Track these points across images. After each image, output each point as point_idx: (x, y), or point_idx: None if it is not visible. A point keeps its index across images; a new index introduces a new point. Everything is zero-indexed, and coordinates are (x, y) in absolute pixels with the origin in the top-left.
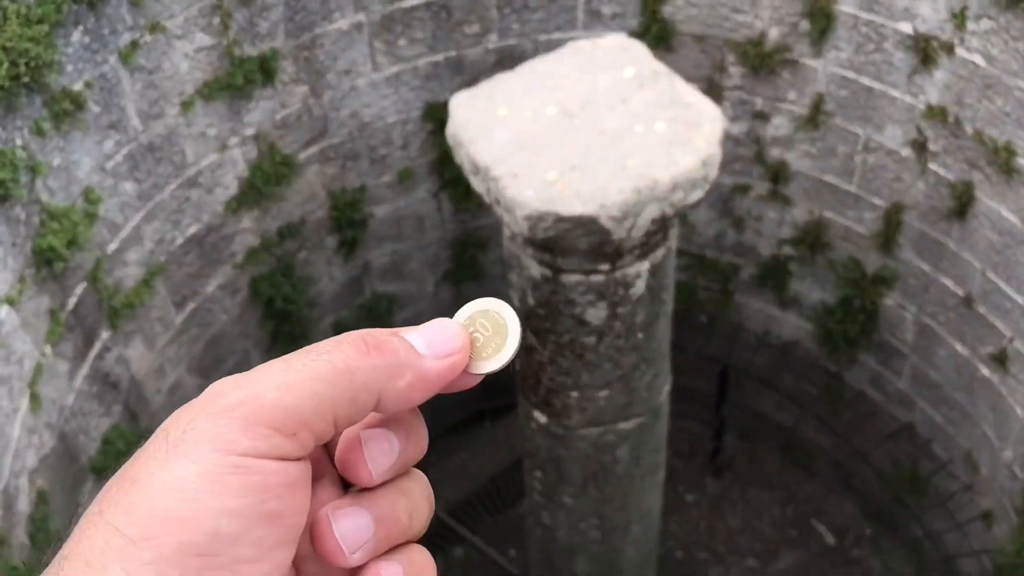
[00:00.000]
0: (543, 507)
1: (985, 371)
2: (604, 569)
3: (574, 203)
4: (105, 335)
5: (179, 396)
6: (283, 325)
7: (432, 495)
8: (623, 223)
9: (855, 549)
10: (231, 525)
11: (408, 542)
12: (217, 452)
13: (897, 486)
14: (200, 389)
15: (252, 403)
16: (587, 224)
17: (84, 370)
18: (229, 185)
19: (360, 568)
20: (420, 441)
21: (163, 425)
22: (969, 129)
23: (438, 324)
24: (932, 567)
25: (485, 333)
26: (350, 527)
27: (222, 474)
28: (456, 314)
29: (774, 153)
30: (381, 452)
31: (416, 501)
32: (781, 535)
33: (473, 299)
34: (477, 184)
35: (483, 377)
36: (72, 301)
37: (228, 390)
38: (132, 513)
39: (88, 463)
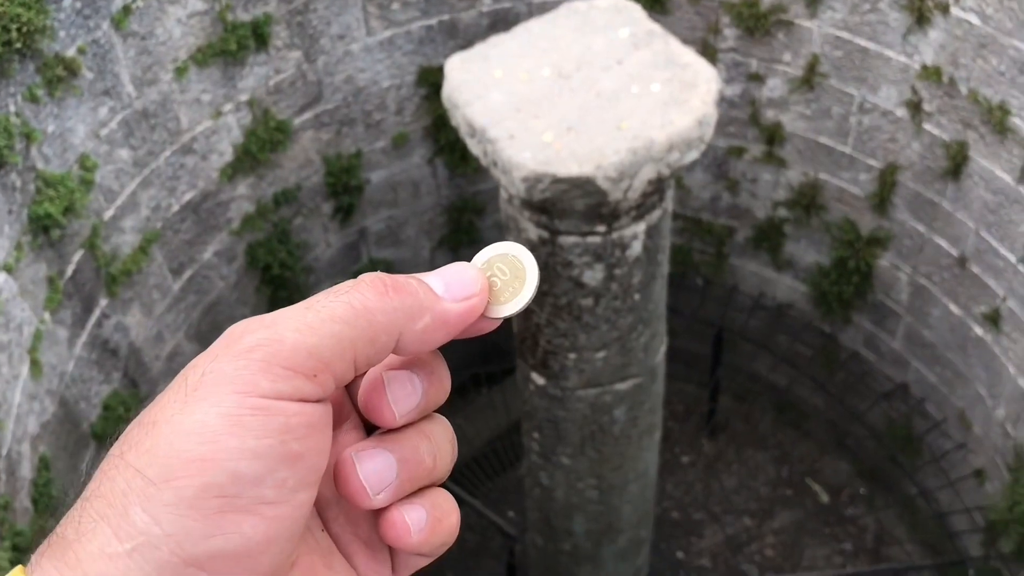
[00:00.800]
0: (541, 468)
1: (978, 330)
2: (602, 528)
3: (571, 164)
4: (103, 302)
5: (177, 363)
6: (280, 291)
7: (455, 439)
8: (619, 184)
9: (849, 508)
10: (252, 466)
11: (431, 485)
12: (237, 394)
13: (891, 445)
14: (198, 355)
15: (272, 344)
16: (584, 185)
17: (83, 337)
18: (224, 151)
19: (383, 511)
20: (443, 383)
21: (183, 370)
22: (964, 89)
23: (456, 267)
24: (925, 524)
25: (503, 277)
26: (374, 468)
27: (243, 415)
28: (474, 258)
29: (769, 115)
30: (404, 393)
31: (439, 444)
32: (776, 494)
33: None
34: (474, 146)
35: (500, 321)
36: (70, 268)
37: (247, 332)
38: (152, 455)
39: (89, 429)
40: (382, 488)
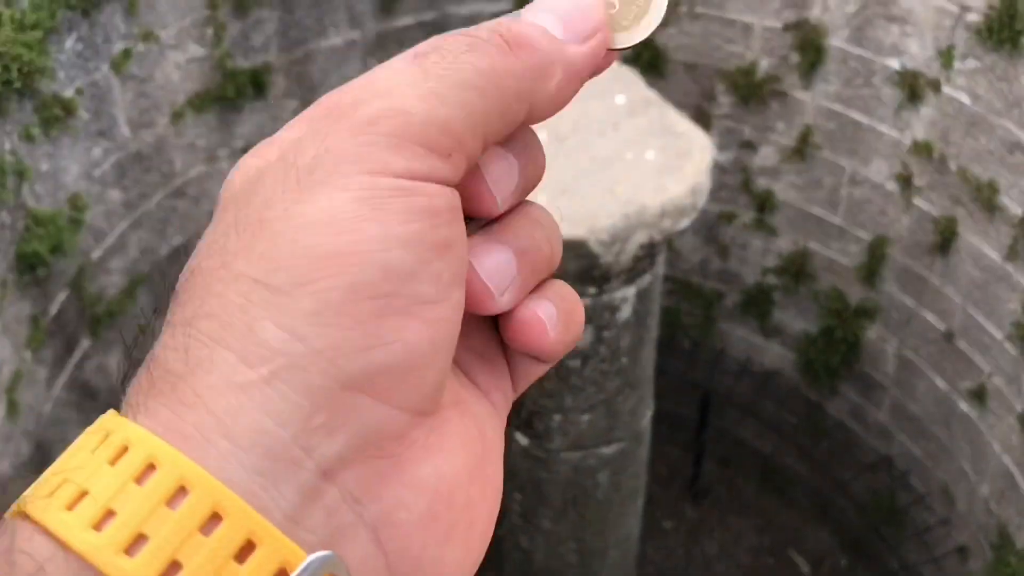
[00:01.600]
0: (521, 530)
1: (964, 406)
2: None
3: (563, 226)
4: (86, 343)
5: None
6: None
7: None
8: (611, 248)
9: None
10: (404, 257)
11: (550, 277)
12: (367, 174)
13: (874, 517)
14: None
15: (398, 117)
16: (576, 247)
17: (63, 378)
18: (217, 197)
19: (509, 314)
20: (539, 156)
21: (279, 158)
22: (953, 166)
23: None
24: None
25: None
26: (494, 265)
27: (381, 198)
28: None
29: (761, 182)
30: (502, 173)
31: (550, 227)
32: (758, 563)
33: None
34: None
35: (621, 53)
36: (54, 308)
37: (360, 101)
38: (272, 259)
39: None
40: (506, 286)
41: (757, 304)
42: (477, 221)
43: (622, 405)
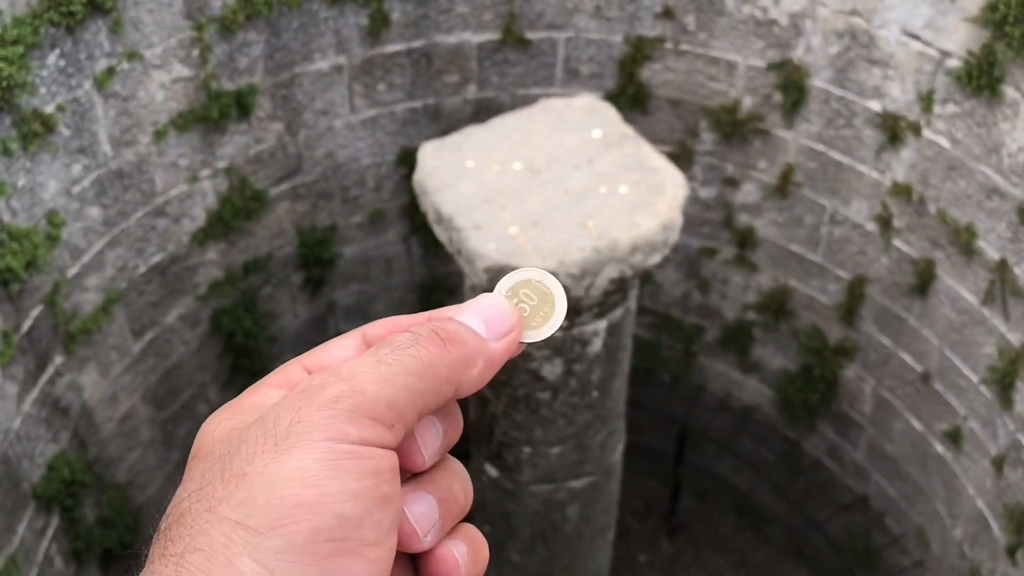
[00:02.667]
0: (490, 564)
1: (939, 448)
2: None
3: (534, 258)
4: (59, 360)
5: (131, 425)
6: (242, 360)
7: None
8: (581, 281)
9: None
10: (355, 508)
11: (461, 521)
12: (329, 440)
13: (850, 557)
14: (154, 420)
15: (355, 396)
16: None
17: (34, 394)
18: (197, 216)
19: (429, 551)
20: (459, 422)
21: (257, 422)
22: (932, 208)
23: (489, 303)
24: None
25: (531, 303)
26: (421, 510)
27: (338, 460)
28: (498, 286)
29: (742, 219)
30: (431, 437)
31: (464, 479)
32: None
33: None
34: (440, 233)
35: (525, 346)
36: (27, 324)
37: (327, 385)
38: (251, 505)
39: (30, 489)
40: (429, 528)
41: (737, 340)
42: (407, 472)
43: (592, 439)
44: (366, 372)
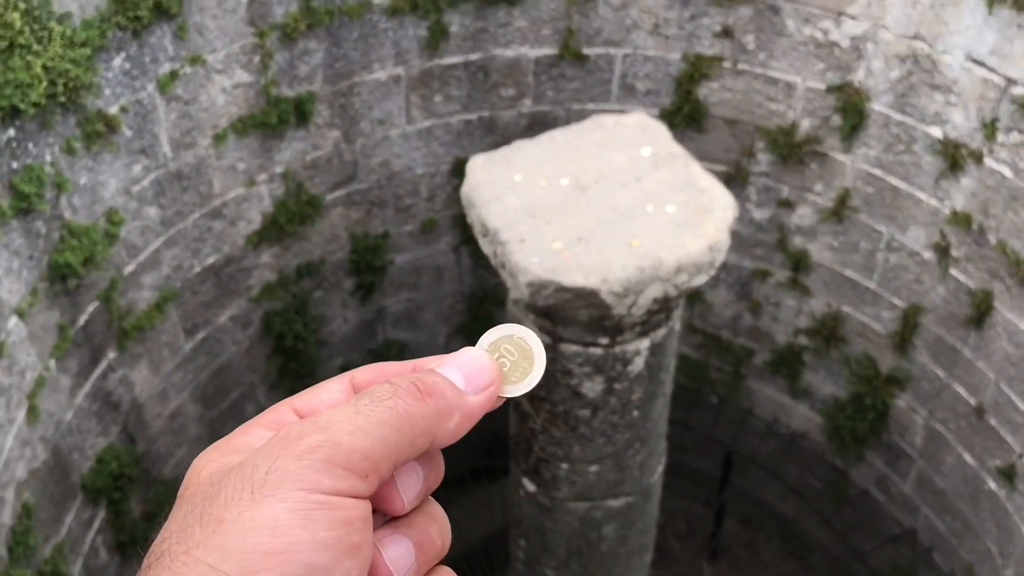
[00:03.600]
0: None
1: (992, 484)
2: None
3: (576, 274)
4: (112, 355)
5: (179, 423)
6: (291, 362)
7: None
8: (624, 299)
9: None
10: (323, 557)
11: (438, 564)
12: (302, 491)
13: None
14: (202, 418)
15: (330, 446)
16: (588, 296)
17: (86, 387)
18: (252, 219)
19: None
20: (439, 468)
21: (238, 468)
22: (992, 239)
23: (469, 355)
24: None
25: (511, 358)
26: (397, 554)
27: (310, 510)
28: (480, 341)
29: (796, 242)
30: (411, 482)
31: (442, 524)
32: None
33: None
34: (485, 246)
35: (505, 400)
36: (83, 318)
37: (304, 434)
38: (225, 550)
39: (79, 480)
40: (405, 572)
41: (787, 364)
42: (387, 515)
43: (631, 459)
44: (343, 422)
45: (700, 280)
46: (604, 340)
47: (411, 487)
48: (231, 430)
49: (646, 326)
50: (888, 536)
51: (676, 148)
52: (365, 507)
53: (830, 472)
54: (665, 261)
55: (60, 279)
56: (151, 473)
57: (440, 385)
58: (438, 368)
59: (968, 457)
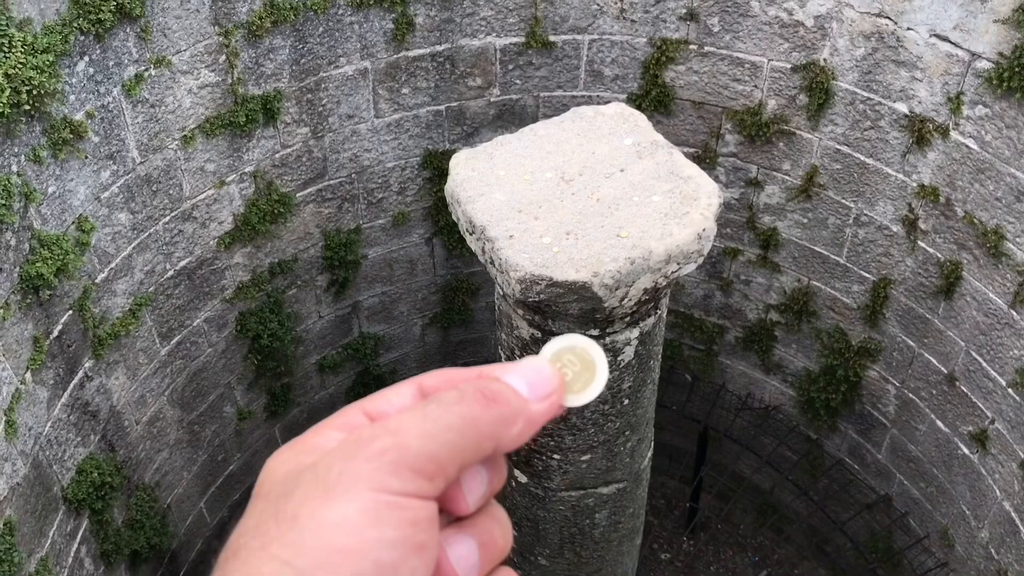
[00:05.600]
0: (518, 567)
1: (965, 449)
2: None
3: (568, 269)
4: (88, 364)
5: (158, 427)
6: (267, 361)
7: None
8: (616, 292)
9: None
10: (391, 555)
11: (501, 564)
12: (372, 491)
13: (871, 557)
14: (180, 421)
15: (400, 449)
16: (580, 291)
17: (64, 398)
18: (224, 220)
19: None
20: (503, 472)
21: (311, 468)
22: (960, 211)
23: (533, 365)
24: None
25: (573, 368)
26: (462, 553)
27: (379, 510)
28: (542, 351)
29: (766, 220)
30: (475, 484)
31: (504, 525)
32: None
33: (453, 354)
34: (472, 243)
35: (567, 410)
36: (57, 329)
37: (376, 437)
38: (299, 547)
39: (60, 493)
40: (469, 570)
41: (759, 340)
42: (452, 516)
43: (622, 446)
44: (412, 427)
45: (689, 268)
46: (595, 332)
47: (475, 489)
48: (210, 432)
49: (635, 316)
50: (864, 504)
51: (658, 137)
52: (432, 508)
53: (804, 444)
54: (655, 251)
55: (33, 291)
56: (132, 480)
57: (505, 392)
58: (503, 376)
59: (940, 424)
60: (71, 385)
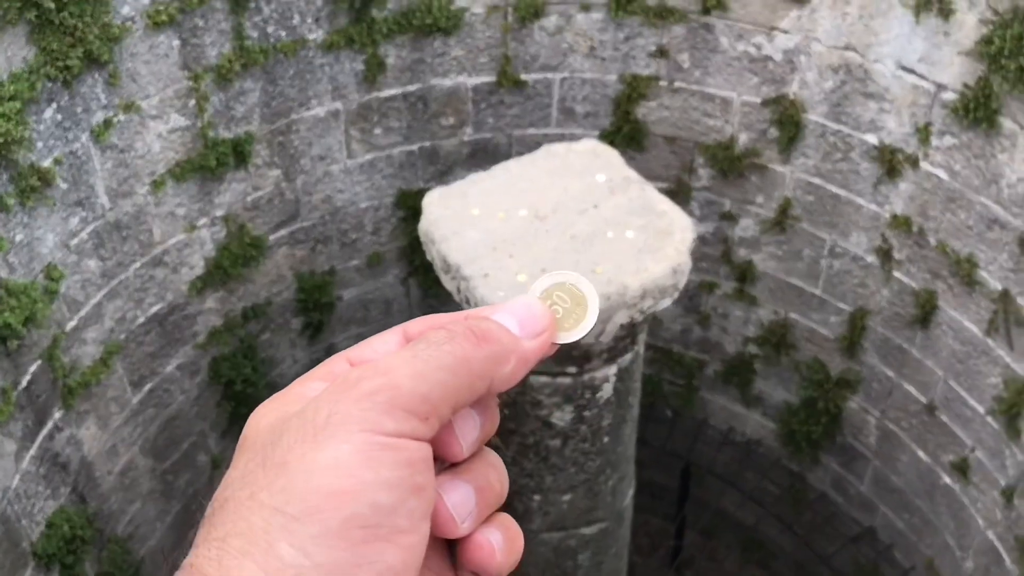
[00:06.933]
0: None
1: (947, 479)
2: None
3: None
4: (57, 414)
5: (130, 478)
6: (241, 407)
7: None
8: (592, 328)
9: None
10: (388, 497)
11: (498, 510)
12: (365, 432)
13: None
14: (153, 471)
15: (391, 389)
16: None
17: (32, 451)
18: (195, 265)
19: (467, 538)
20: (495, 416)
21: (298, 414)
22: (933, 240)
23: (523, 304)
24: None
25: (564, 305)
26: (458, 498)
27: (373, 451)
28: (532, 288)
29: (741, 253)
30: (468, 428)
31: (500, 470)
32: None
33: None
34: (448, 282)
35: (560, 347)
36: (25, 379)
37: (363, 378)
38: (289, 492)
39: (30, 548)
40: (466, 516)
41: (738, 373)
42: (446, 462)
43: (603, 485)
44: (402, 367)
45: (665, 303)
46: (572, 369)
47: (468, 433)
48: (184, 481)
49: (613, 352)
50: (849, 537)
51: (630, 172)
52: (427, 450)
53: (787, 477)
54: (630, 287)
55: (1, 341)
56: (104, 533)
57: (495, 330)
58: (492, 315)
59: (922, 454)
60: (40, 436)
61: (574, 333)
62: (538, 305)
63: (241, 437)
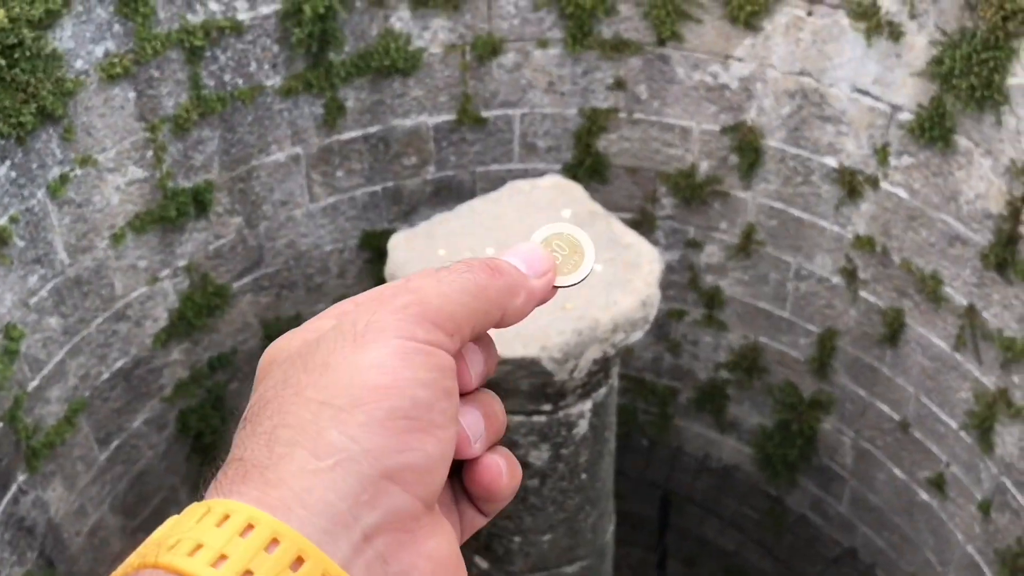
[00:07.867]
0: None
1: (924, 495)
2: None
3: (515, 345)
4: (21, 477)
5: (100, 537)
6: (211, 459)
7: None
8: (565, 365)
9: None
10: (425, 393)
11: (499, 442)
12: (400, 338)
13: None
14: (124, 530)
15: (421, 304)
16: (529, 366)
17: None
18: (159, 317)
19: (477, 459)
20: (496, 355)
21: (334, 328)
22: (896, 258)
23: (527, 247)
24: None
25: (562, 252)
26: (471, 420)
27: (410, 354)
28: (533, 236)
29: (708, 280)
30: (476, 361)
31: (501, 404)
32: None
33: None
34: None
35: (557, 291)
36: None
37: (398, 293)
38: (335, 387)
39: None
40: (478, 436)
41: (712, 400)
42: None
43: (583, 522)
44: (431, 287)
45: (636, 336)
46: (547, 407)
47: (476, 365)
48: None
49: (587, 387)
50: (830, 558)
51: (595, 207)
52: (452, 361)
53: (766, 501)
54: (601, 321)
55: None
56: None
57: (507, 267)
58: (503, 255)
59: (898, 471)
60: (4, 501)
61: (572, 277)
62: (540, 249)
63: (260, 367)
